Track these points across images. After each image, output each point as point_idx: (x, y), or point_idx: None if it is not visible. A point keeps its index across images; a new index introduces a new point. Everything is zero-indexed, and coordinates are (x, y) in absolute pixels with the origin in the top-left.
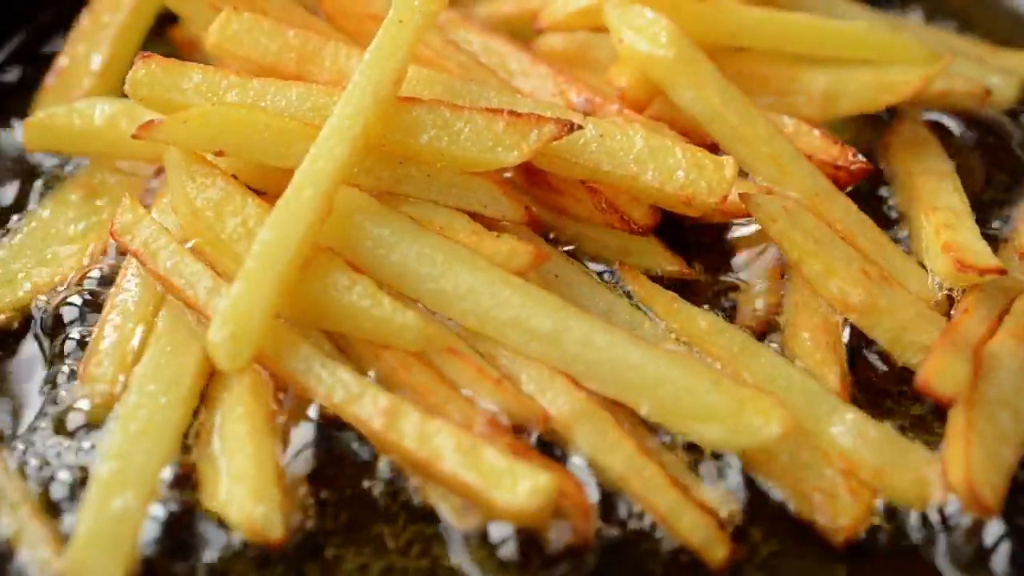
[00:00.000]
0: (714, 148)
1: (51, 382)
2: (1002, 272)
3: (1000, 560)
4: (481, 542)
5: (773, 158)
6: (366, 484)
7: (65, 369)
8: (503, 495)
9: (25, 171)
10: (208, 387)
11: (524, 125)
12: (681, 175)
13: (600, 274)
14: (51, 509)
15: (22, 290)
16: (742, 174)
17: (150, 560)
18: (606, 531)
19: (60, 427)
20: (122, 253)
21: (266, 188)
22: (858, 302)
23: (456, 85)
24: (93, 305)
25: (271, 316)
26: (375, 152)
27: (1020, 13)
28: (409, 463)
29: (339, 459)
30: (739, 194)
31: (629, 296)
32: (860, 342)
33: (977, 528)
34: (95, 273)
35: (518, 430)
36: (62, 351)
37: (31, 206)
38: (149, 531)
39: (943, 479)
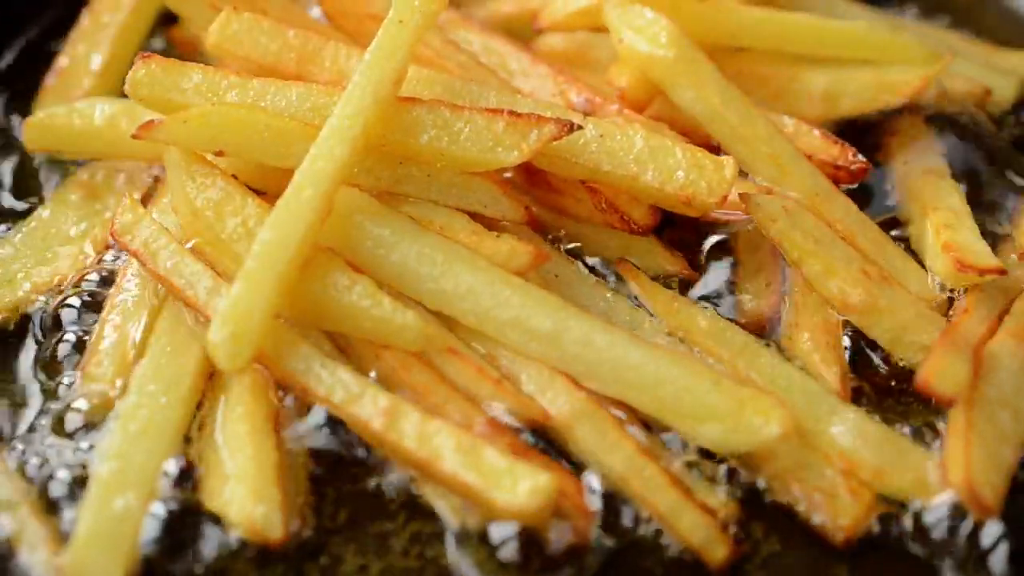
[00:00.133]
0: (714, 148)
1: (51, 382)
2: (1002, 272)
3: (999, 560)
4: (481, 542)
5: (773, 158)
6: (366, 484)
7: (65, 369)
8: (503, 495)
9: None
10: (208, 387)
11: (524, 125)
12: (681, 175)
13: (600, 274)
14: (51, 509)
15: (21, 290)
16: (742, 174)
17: (150, 559)
18: (606, 534)
19: (59, 427)
20: (120, 253)
21: (266, 188)
22: (858, 302)
23: (456, 85)
24: (92, 305)
25: (271, 316)
26: (375, 152)
27: (1020, 13)
28: (409, 463)
29: (339, 459)
30: (739, 194)
31: (629, 296)
32: (860, 342)
33: (977, 528)
34: (94, 274)
35: (518, 430)
36: (62, 351)
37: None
38: (149, 530)
39: (943, 479)
